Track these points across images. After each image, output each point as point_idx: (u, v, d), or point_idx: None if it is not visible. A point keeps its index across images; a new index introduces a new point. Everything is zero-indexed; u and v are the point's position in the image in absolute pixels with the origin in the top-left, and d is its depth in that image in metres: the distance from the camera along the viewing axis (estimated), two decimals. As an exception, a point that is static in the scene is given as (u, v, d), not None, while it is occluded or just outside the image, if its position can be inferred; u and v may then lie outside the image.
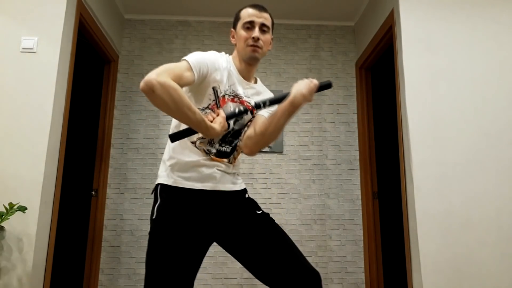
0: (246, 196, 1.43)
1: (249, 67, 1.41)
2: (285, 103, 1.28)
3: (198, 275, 2.90)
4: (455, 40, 2.37)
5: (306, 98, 1.24)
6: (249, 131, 1.39)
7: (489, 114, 2.27)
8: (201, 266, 3.01)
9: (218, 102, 1.30)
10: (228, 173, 1.36)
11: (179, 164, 1.30)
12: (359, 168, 3.15)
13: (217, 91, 1.30)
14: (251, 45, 1.35)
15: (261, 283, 1.29)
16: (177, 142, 1.29)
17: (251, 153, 1.40)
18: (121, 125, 3.13)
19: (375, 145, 3.24)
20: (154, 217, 1.27)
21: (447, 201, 2.16)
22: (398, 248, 3.28)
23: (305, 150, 3.17)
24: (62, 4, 2.20)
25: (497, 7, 2.42)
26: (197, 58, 1.25)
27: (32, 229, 1.94)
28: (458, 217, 2.14)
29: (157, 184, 1.33)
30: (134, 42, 3.28)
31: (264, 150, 3.09)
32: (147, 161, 3.07)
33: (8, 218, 1.81)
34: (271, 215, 1.39)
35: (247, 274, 2.93)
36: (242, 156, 1.60)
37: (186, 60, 1.23)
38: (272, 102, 1.31)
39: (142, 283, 2.87)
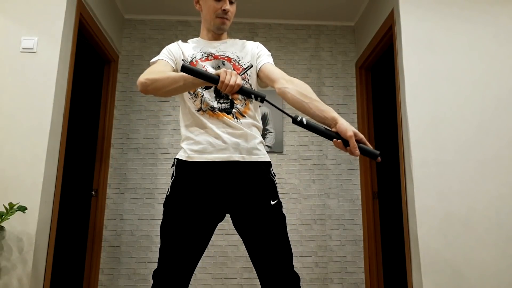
0: (271, 173, 1.36)
1: (216, 35, 1.48)
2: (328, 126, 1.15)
3: (198, 275, 2.91)
4: (455, 40, 2.37)
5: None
6: (286, 86, 1.26)
7: (489, 114, 2.28)
8: (201, 266, 3.02)
9: None
10: (240, 137, 1.32)
11: (190, 138, 1.34)
12: (359, 168, 3.15)
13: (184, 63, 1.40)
14: (221, 17, 1.41)
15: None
16: (183, 118, 1.39)
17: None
18: (121, 125, 3.13)
19: (375, 145, 3.24)
20: (168, 193, 1.33)
21: (447, 201, 2.16)
22: (398, 248, 3.29)
23: (305, 150, 3.17)
24: (62, 4, 2.20)
25: (497, 7, 2.42)
26: (162, 54, 1.42)
27: (32, 229, 1.94)
28: (458, 217, 2.14)
29: (174, 159, 1.38)
30: (134, 42, 3.28)
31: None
32: (147, 161, 3.07)
33: (8, 218, 1.81)
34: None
35: (247, 274, 2.93)
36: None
37: (158, 59, 1.39)
38: (315, 130, 1.14)
39: (142, 283, 2.88)
